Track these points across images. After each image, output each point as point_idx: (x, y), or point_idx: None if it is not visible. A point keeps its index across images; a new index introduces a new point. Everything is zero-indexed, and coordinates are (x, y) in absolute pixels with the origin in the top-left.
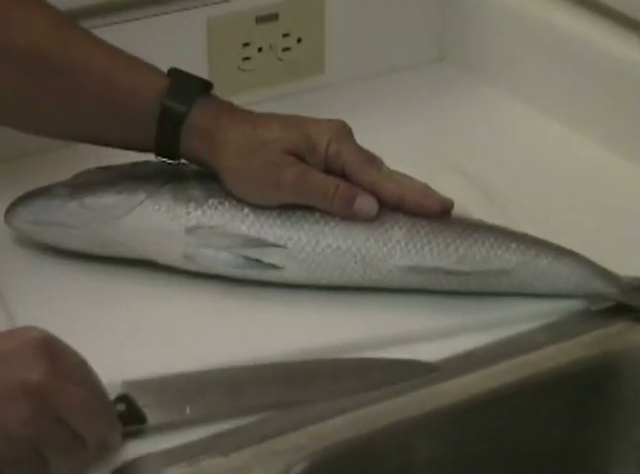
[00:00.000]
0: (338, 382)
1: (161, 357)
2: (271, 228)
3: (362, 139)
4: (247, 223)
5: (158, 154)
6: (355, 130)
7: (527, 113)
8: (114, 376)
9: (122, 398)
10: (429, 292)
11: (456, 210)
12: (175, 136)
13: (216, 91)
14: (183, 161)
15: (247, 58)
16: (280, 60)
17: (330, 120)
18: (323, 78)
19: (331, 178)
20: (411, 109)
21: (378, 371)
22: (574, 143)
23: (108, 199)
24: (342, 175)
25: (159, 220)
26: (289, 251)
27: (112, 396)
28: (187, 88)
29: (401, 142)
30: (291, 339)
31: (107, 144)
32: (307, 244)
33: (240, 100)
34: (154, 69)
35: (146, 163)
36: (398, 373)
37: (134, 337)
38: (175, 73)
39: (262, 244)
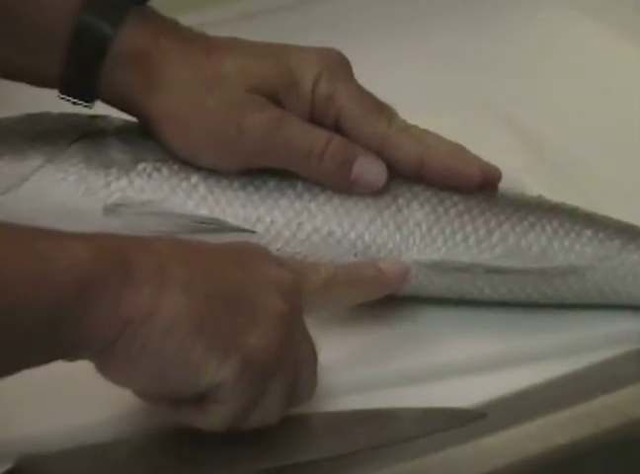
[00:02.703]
0: (350, 438)
1: (79, 414)
2: (231, 205)
3: (365, 78)
4: (196, 198)
5: (65, 91)
6: (355, 65)
7: (598, 31)
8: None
9: (15, 471)
10: (462, 303)
11: (504, 182)
12: (93, 67)
13: None
14: (97, 113)
15: None
16: None
17: (319, 49)
18: None
19: (319, 130)
20: (435, 29)
21: (403, 423)
22: None
23: None
24: (335, 127)
25: (65, 195)
26: (260, 238)
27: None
28: None
29: (420, 81)
30: None
31: (6, 75)
32: (285, 228)
33: (182, 22)
34: None
35: (45, 115)
36: (428, 424)
37: (40, 382)
38: None
39: (219, 228)
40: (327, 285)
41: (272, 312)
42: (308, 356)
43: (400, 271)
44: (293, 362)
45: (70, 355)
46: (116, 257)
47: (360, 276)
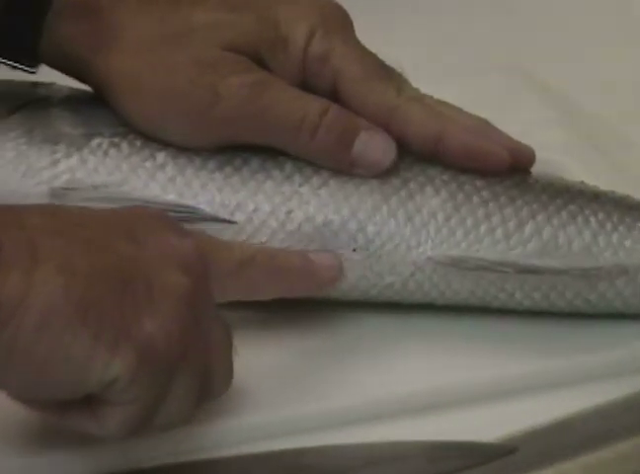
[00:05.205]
0: None
1: None
2: (205, 189)
3: (367, 36)
4: (162, 179)
5: (2, 53)
6: (357, 22)
7: None
8: None
9: None
10: (487, 311)
11: (539, 165)
12: (35, 20)
13: None
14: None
15: None
16: None
17: (313, 0)
18: None
19: (313, 97)
20: None
21: (418, 460)
22: None
23: None
24: (331, 95)
25: (3, 176)
26: (240, 229)
27: None
28: None
29: (433, 38)
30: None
31: None
32: (271, 217)
33: None
34: None
35: None
36: (442, 462)
37: None
38: None
39: (189, 218)
40: (241, 268)
41: (172, 290)
42: (220, 341)
43: (332, 263)
44: (202, 349)
45: None
46: None
47: (284, 264)
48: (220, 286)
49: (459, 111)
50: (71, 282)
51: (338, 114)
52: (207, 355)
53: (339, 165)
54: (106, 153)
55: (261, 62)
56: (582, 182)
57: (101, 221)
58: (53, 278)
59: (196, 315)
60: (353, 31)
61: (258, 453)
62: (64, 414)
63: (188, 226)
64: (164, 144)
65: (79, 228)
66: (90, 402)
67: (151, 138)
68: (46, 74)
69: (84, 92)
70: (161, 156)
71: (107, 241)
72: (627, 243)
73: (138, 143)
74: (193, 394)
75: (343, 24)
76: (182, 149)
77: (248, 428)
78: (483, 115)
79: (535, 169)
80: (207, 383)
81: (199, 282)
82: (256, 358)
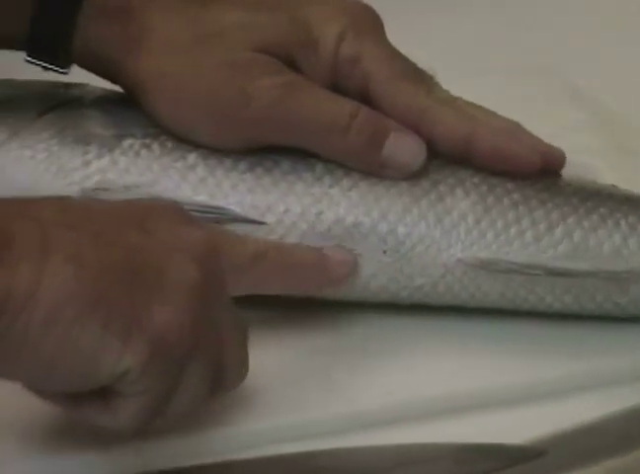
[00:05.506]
0: None
1: None
2: (236, 190)
3: (397, 38)
4: (193, 180)
5: (33, 53)
6: (387, 22)
7: None
8: None
9: None
10: (516, 315)
11: (569, 168)
12: (67, 20)
13: None
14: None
15: None
16: None
17: (343, 2)
18: None
19: (343, 99)
20: None
21: (446, 462)
22: None
23: None
24: (361, 97)
25: (33, 176)
26: (270, 230)
27: None
28: None
29: (464, 41)
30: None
31: None
32: (301, 219)
33: None
34: None
35: (8, 82)
36: (472, 464)
37: None
38: None
39: (220, 218)
40: (254, 262)
41: (183, 282)
42: (233, 333)
43: (346, 259)
44: (214, 341)
45: None
46: None
47: (297, 259)
48: (232, 280)
49: (490, 113)
50: (80, 274)
51: (368, 115)
52: (219, 347)
53: (369, 166)
54: (137, 154)
55: (292, 64)
56: (613, 185)
57: (113, 214)
58: (62, 271)
59: (207, 307)
60: (383, 32)
61: (270, 456)
62: (77, 406)
63: (221, 225)
64: (195, 145)
65: (90, 221)
66: (103, 394)
67: (183, 140)
68: (79, 75)
69: (116, 93)
70: (192, 157)
71: (118, 233)
72: None
73: (169, 144)
74: (205, 385)
75: (374, 25)
76: (213, 150)
77: (259, 431)
78: (512, 117)
79: (566, 172)
80: (220, 375)
81: (210, 275)
82: (258, 359)
